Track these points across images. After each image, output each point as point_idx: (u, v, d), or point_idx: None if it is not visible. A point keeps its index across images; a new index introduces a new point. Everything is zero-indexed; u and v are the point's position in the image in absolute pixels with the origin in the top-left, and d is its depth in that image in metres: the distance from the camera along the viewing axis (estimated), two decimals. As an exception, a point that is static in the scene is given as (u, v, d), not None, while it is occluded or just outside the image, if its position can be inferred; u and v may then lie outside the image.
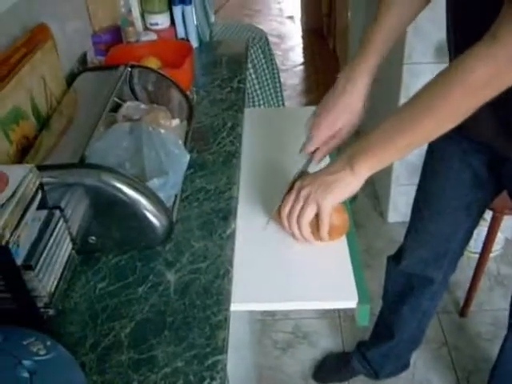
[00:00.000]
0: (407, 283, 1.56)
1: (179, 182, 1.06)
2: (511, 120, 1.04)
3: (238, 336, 1.24)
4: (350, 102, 1.08)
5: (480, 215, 1.40)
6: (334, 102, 1.08)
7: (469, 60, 0.83)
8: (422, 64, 2.07)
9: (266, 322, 2.10)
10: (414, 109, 0.90)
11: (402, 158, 0.93)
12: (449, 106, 0.86)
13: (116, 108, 1.19)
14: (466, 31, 1.02)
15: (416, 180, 1.43)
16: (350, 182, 0.96)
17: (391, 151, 0.93)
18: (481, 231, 2.13)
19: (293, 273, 0.99)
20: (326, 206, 0.96)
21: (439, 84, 0.87)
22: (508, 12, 0.78)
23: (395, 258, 1.57)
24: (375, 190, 2.70)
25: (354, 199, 2.86)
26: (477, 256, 2.01)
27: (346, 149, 0.97)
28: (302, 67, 4.20)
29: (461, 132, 0.97)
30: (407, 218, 1.50)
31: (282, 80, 2.64)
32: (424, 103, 0.88)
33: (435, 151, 1.31)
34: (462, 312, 2.10)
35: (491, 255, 2.05)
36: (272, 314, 2.11)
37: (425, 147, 1.35)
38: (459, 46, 1.09)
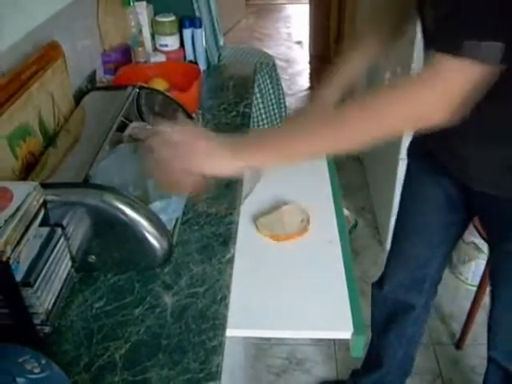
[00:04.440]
0: (391, 309, 1.56)
1: (181, 205, 1.06)
2: (460, 151, 1.05)
3: (232, 359, 1.23)
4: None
5: (456, 240, 1.40)
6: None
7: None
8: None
9: (260, 346, 2.09)
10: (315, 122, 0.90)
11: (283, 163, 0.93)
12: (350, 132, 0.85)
13: (122, 127, 1.20)
14: None
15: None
16: (222, 164, 0.90)
17: (278, 154, 0.89)
18: (479, 264, 2.13)
19: (289, 300, 1.00)
20: (190, 166, 0.90)
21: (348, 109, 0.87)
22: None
23: (378, 284, 1.58)
24: (375, 219, 2.70)
25: (354, 227, 2.84)
26: (474, 289, 2.00)
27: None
28: (308, 92, 4.22)
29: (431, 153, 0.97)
30: (406, 248, 1.50)
31: (287, 104, 2.66)
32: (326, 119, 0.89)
33: (413, 173, 1.33)
34: (458, 344, 2.08)
35: (489, 289, 2.04)
36: (267, 338, 2.10)
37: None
38: None
